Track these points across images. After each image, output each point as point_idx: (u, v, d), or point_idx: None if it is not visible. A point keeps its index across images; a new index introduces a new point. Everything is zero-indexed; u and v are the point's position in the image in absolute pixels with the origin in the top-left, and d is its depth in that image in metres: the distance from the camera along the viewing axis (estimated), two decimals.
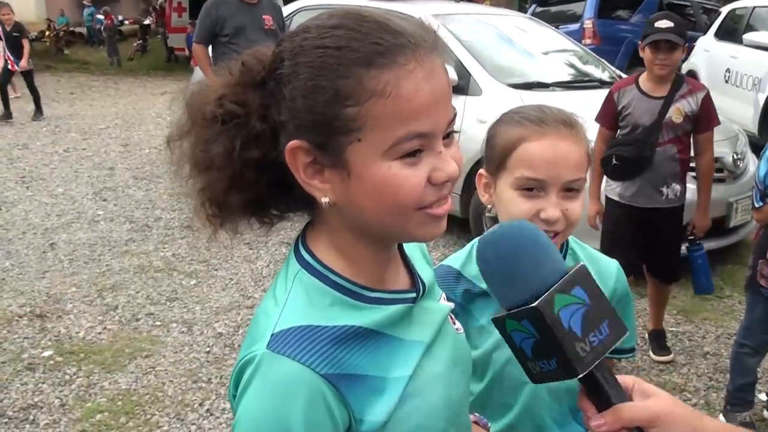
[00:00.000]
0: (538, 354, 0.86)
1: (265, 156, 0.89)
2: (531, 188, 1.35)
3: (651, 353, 3.85)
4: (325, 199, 0.87)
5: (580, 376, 0.84)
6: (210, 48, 5.78)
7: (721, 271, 4.96)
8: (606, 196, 3.64)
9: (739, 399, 3.19)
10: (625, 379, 0.88)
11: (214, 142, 0.89)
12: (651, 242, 3.58)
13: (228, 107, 0.88)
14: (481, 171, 1.45)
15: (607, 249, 3.39)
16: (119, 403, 3.36)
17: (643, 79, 3.51)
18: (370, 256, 0.94)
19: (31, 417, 3.25)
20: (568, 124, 1.36)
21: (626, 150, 3.46)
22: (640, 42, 3.49)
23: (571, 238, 1.50)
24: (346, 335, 0.88)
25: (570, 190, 1.35)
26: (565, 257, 1.47)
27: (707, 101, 3.47)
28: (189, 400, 3.39)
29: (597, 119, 3.58)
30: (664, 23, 3.37)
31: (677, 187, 3.53)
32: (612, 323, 0.86)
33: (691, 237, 3.72)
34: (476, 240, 1.53)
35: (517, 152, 1.35)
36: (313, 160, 0.86)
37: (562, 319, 0.83)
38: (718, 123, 3.59)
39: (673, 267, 3.79)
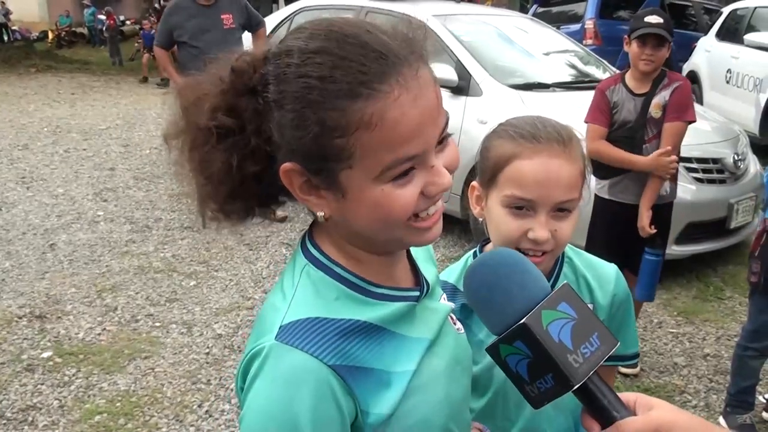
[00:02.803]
0: (535, 374, 0.87)
1: (263, 170, 0.90)
2: (520, 207, 1.31)
3: None
4: (321, 213, 0.91)
5: (576, 387, 0.85)
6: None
7: (722, 272, 4.96)
8: (594, 194, 3.55)
9: (740, 401, 3.18)
10: (627, 396, 0.88)
11: (211, 159, 0.90)
12: (638, 241, 3.45)
13: (221, 120, 0.89)
14: (474, 183, 1.42)
15: (592, 247, 3.32)
16: (118, 404, 3.36)
17: (629, 77, 3.46)
18: (374, 257, 0.96)
19: (30, 418, 3.25)
20: (562, 141, 1.31)
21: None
22: (626, 37, 3.43)
23: (567, 245, 1.48)
24: (353, 329, 0.90)
25: (561, 210, 1.32)
26: (561, 265, 1.45)
27: (678, 91, 3.37)
28: (188, 401, 3.38)
29: (590, 119, 3.45)
30: (653, 18, 3.34)
31: (667, 184, 3.47)
32: (602, 335, 0.89)
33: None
34: (470, 252, 1.51)
35: (508, 169, 1.31)
36: (308, 180, 0.89)
37: (552, 333, 0.86)
38: (693, 119, 3.43)
39: None
